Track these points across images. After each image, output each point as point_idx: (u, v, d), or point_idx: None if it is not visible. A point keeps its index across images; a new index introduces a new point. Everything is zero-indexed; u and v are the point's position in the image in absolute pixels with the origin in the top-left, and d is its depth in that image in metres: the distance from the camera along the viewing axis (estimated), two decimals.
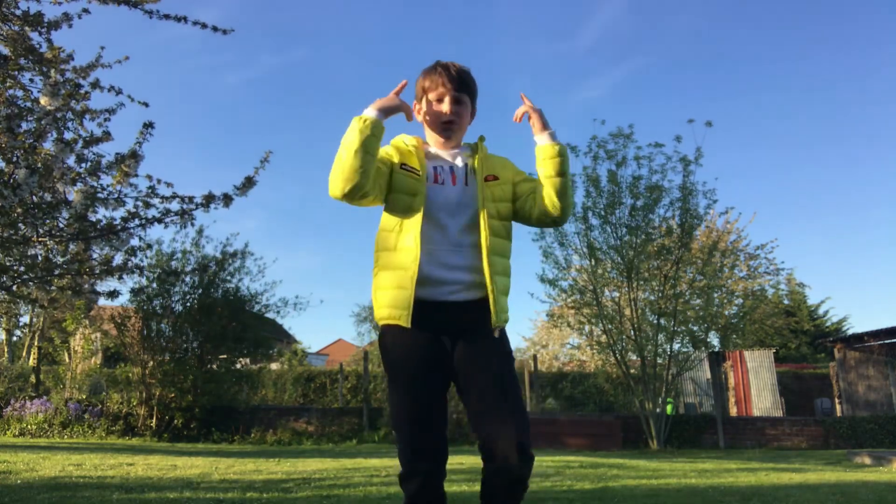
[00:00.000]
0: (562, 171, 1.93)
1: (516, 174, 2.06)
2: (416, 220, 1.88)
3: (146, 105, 4.53)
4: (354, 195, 1.82)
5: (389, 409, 1.86)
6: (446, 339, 1.88)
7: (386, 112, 1.90)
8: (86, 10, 4.21)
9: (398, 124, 2.01)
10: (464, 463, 5.45)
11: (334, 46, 60.35)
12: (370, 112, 1.87)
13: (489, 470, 1.80)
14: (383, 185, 1.93)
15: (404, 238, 1.89)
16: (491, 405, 1.79)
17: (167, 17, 4.40)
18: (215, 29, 4.55)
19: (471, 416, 1.84)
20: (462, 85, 2.00)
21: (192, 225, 4.47)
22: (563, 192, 1.95)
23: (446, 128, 2.00)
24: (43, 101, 3.82)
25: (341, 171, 1.81)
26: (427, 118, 2.04)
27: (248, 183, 4.39)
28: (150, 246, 10.87)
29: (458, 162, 2.00)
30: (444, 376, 1.89)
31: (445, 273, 1.87)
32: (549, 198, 1.95)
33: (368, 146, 1.81)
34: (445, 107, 1.98)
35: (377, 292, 1.93)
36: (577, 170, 12.02)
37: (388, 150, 1.99)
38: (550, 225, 2.08)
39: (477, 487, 1.85)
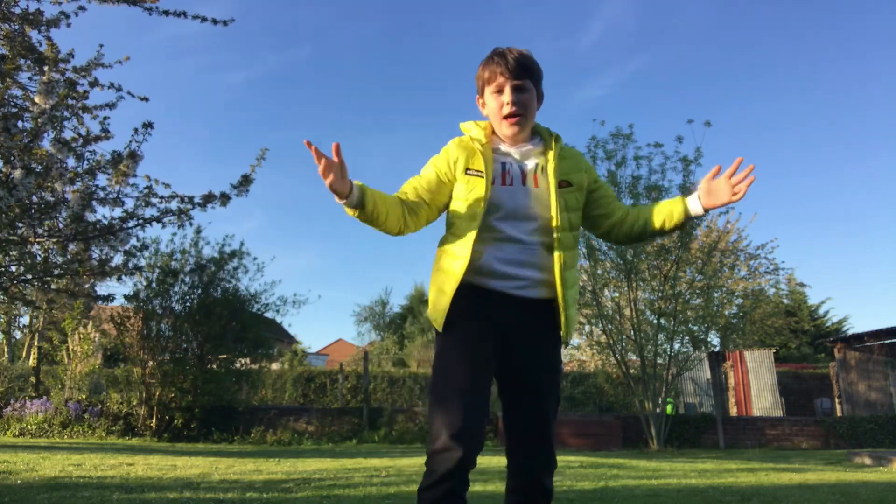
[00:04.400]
0: (669, 233, 1.95)
1: (591, 179, 1.95)
2: (476, 226, 1.78)
3: (146, 100, 4.52)
4: (403, 234, 1.86)
5: (431, 389, 1.76)
6: (504, 332, 1.79)
7: (338, 191, 1.67)
8: (81, 8, 4.20)
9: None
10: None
11: (337, 44, 60.35)
12: (339, 202, 1.72)
13: (516, 485, 1.80)
14: (440, 203, 1.88)
15: (461, 244, 1.80)
16: (532, 431, 1.80)
17: (167, 13, 4.40)
18: (215, 21, 4.54)
19: (507, 425, 1.83)
20: (522, 70, 1.84)
21: (191, 224, 4.47)
22: (642, 239, 2.00)
23: (512, 122, 1.85)
24: (38, 99, 3.81)
25: (380, 230, 1.83)
26: (490, 113, 1.90)
27: (245, 181, 4.39)
28: (146, 246, 10.92)
29: (529, 161, 1.87)
30: (493, 366, 1.80)
31: (514, 269, 1.79)
32: (634, 231, 1.94)
33: (369, 217, 1.75)
34: (506, 97, 1.84)
35: (431, 288, 1.87)
36: None
37: (449, 158, 1.87)
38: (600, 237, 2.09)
39: (490, 487, 1.86)
